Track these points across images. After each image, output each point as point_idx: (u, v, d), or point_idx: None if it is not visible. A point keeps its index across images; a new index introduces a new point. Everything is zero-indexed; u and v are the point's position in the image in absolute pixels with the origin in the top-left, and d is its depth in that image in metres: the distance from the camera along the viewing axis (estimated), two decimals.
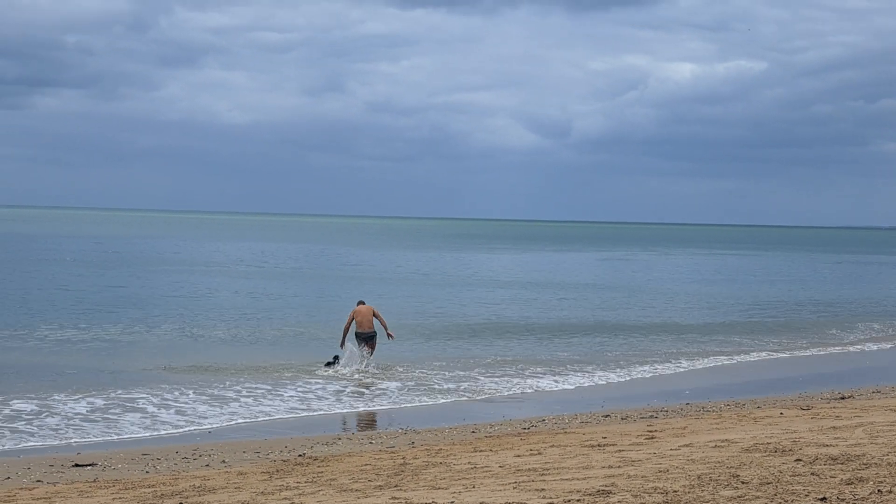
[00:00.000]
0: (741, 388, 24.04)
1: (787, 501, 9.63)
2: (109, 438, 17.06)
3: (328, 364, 25.01)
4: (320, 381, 23.38)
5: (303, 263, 75.10)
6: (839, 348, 32.87)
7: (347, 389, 22.56)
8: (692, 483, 10.53)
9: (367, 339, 25.44)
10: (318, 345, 29.04)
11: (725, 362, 28.82)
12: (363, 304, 26.12)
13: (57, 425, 17.78)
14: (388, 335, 25.78)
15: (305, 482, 12.12)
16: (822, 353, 31.72)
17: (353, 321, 25.54)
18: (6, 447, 16.16)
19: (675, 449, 13.33)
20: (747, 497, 9.83)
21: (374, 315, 25.72)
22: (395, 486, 11.48)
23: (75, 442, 16.67)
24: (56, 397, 19.99)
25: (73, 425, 17.85)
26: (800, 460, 11.74)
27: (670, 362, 28.21)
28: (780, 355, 30.75)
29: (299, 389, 22.22)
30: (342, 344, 25.40)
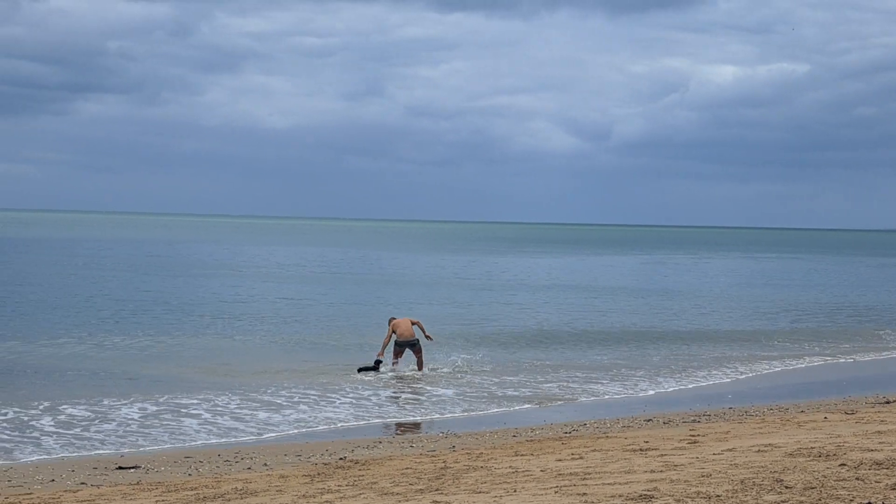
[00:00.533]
0: (784, 392, 23.87)
1: None
2: (181, 445, 17.00)
3: (364, 369, 24.99)
4: (370, 386, 23.29)
5: (343, 268, 75.32)
6: (885, 353, 32.52)
7: (402, 396, 22.41)
8: (735, 488, 10.46)
9: (409, 345, 25.46)
10: (358, 349, 29.07)
11: (769, 366, 28.60)
12: (394, 319, 25.87)
13: (114, 431, 17.74)
14: (427, 337, 25.85)
15: (346, 485, 12.15)
16: (866, 357, 31.41)
17: (394, 332, 25.48)
18: (79, 454, 16.19)
19: (718, 453, 13.25)
20: (791, 502, 9.76)
21: (414, 323, 25.74)
22: (436, 489, 11.48)
23: (148, 449, 16.69)
24: (106, 402, 20.00)
25: (131, 431, 17.83)
26: (844, 465, 11.63)
27: (713, 366, 28.04)
28: (824, 359, 30.48)
29: (350, 395, 22.08)
30: (381, 353, 25.37)
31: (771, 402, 21.75)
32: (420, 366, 25.54)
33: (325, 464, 14.47)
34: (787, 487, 10.40)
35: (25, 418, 18.46)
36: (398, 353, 25.43)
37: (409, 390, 23.16)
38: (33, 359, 25.62)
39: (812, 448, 13.12)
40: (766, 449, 13.38)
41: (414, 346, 25.52)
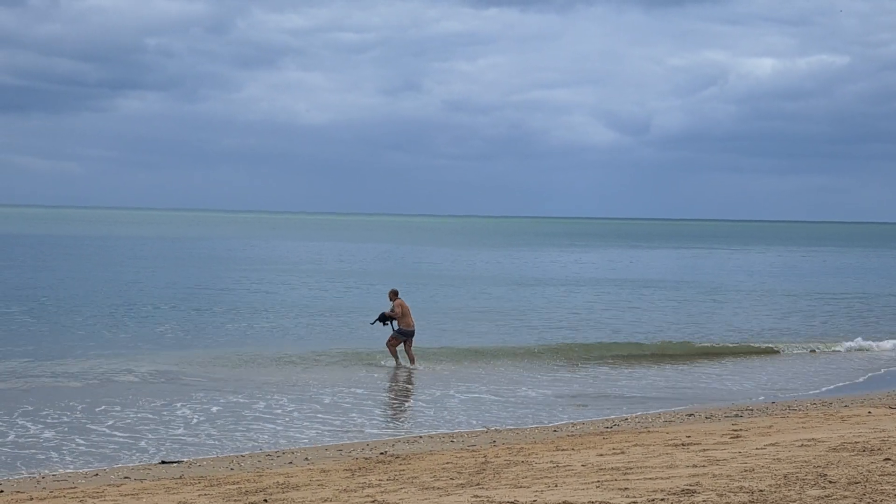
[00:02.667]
0: (828, 386, 23.69)
1: (875, 501, 9.47)
2: (226, 443, 17.00)
3: (379, 320, 25.50)
4: (422, 386, 23.27)
5: (382, 265, 75.41)
6: None
7: (486, 397, 21.64)
8: (778, 482, 10.40)
9: (408, 335, 25.58)
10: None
11: (812, 360, 28.38)
12: (397, 295, 25.91)
13: (161, 430, 17.77)
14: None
15: (387, 480, 12.17)
16: None
17: (395, 318, 25.56)
18: (129, 454, 16.30)
19: (761, 448, 13.17)
20: (835, 497, 9.68)
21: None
22: (477, 484, 11.47)
23: (192, 445, 16.78)
24: (157, 403, 20.01)
25: (177, 428, 17.93)
26: (889, 459, 11.53)
27: (756, 360, 27.87)
28: (868, 353, 30.21)
29: (422, 398, 21.87)
30: (384, 320, 25.53)
31: (814, 396, 21.59)
32: (412, 359, 25.43)
33: (366, 458, 14.50)
34: (830, 482, 10.32)
35: (83, 420, 18.56)
36: (398, 342, 25.54)
37: (483, 392, 22.85)
38: (87, 360, 25.54)
39: (856, 443, 13.02)
40: (809, 444, 13.29)
41: (412, 336, 25.61)
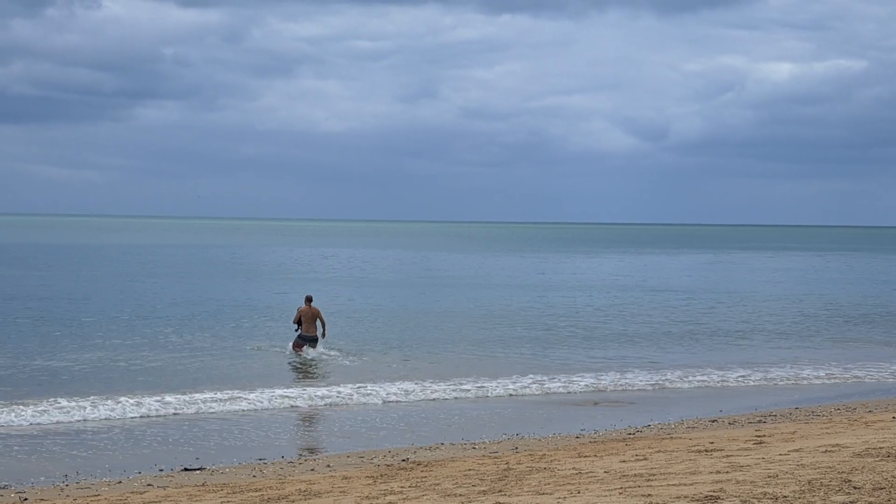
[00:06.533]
0: (852, 392, 23.56)
1: None
2: (245, 447, 17.14)
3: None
4: (447, 395, 23.31)
5: (408, 272, 75.41)
6: None
7: (506, 403, 22.04)
8: (803, 488, 10.34)
9: (309, 341, 27.51)
10: (422, 357, 29.03)
11: (834, 367, 28.23)
12: (310, 301, 27.81)
13: (181, 434, 17.90)
14: (323, 334, 27.79)
15: (409, 487, 12.16)
16: None
17: (299, 326, 27.58)
18: (146, 456, 16.38)
19: (785, 454, 13.10)
20: (860, 502, 9.63)
21: (318, 317, 27.71)
22: (499, 491, 11.45)
23: (213, 451, 16.86)
24: (166, 405, 20.23)
25: (198, 435, 18.03)
26: None
27: (779, 367, 27.74)
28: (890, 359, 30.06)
29: (442, 405, 21.88)
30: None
31: (838, 401, 21.48)
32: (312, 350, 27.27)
33: (388, 465, 14.49)
34: (855, 488, 10.26)
35: (89, 421, 18.69)
36: (300, 346, 27.47)
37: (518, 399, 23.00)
38: (105, 368, 25.79)
39: (881, 448, 12.94)
40: (833, 449, 13.21)
41: (314, 342, 27.52)
